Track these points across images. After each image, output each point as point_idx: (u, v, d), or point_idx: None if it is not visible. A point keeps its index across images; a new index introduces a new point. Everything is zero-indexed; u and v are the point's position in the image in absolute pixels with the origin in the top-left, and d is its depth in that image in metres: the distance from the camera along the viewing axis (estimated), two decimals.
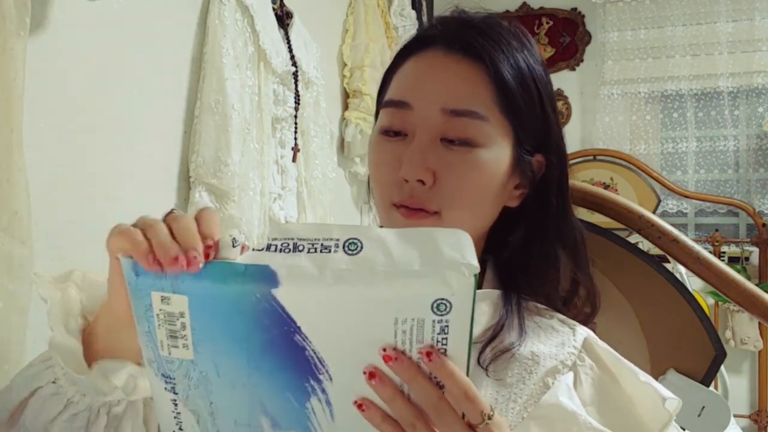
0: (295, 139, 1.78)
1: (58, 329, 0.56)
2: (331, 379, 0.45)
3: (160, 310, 0.46)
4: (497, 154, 0.64)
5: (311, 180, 1.86)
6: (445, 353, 0.44)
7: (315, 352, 0.45)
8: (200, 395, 0.48)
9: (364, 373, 0.45)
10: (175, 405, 0.49)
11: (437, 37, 0.66)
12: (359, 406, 0.46)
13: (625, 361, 0.67)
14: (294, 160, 1.78)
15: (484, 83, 0.64)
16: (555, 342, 0.67)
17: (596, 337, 0.70)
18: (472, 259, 0.42)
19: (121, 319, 0.54)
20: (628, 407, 0.65)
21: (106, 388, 0.55)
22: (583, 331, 0.69)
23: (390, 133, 0.66)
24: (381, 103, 0.70)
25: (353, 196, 2.40)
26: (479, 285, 0.70)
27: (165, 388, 0.49)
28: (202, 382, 0.47)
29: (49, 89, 1.08)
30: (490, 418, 0.46)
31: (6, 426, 0.57)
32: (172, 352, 0.47)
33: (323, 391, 0.46)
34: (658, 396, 0.63)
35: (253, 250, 0.44)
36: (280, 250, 0.44)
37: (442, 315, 0.42)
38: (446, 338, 0.43)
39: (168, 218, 0.47)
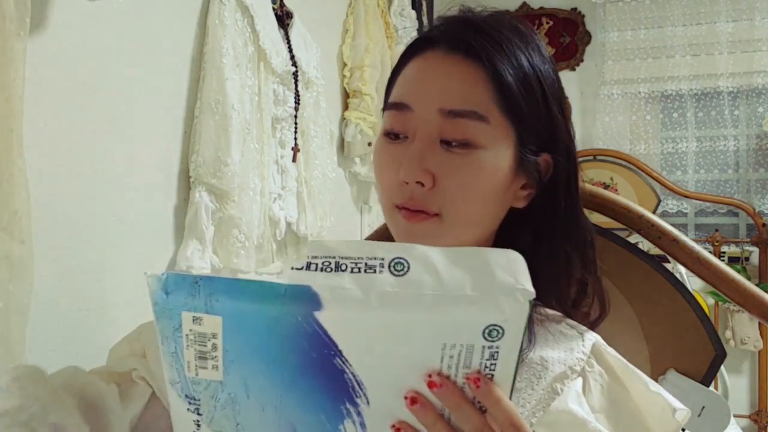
0: (295, 139, 1.78)
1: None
2: (368, 402, 0.44)
3: (191, 330, 0.44)
4: (497, 155, 0.64)
5: (311, 180, 1.86)
6: (491, 378, 0.42)
7: (354, 375, 0.43)
8: (226, 416, 0.46)
9: (406, 398, 0.43)
10: (198, 426, 0.47)
11: (439, 38, 0.66)
12: (397, 430, 0.45)
13: (635, 369, 0.66)
14: (294, 160, 1.78)
15: (483, 83, 0.63)
16: (564, 347, 0.67)
17: (605, 342, 0.69)
18: (526, 283, 0.40)
19: None
20: (636, 415, 0.64)
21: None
22: (591, 337, 0.69)
23: (391, 135, 0.66)
24: (385, 104, 0.70)
25: (353, 196, 2.40)
26: None
27: (188, 409, 0.47)
28: (229, 404, 0.46)
29: (49, 89, 1.08)
30: None
31: None
32: (199, 373, 0.45)
33: (359, 414, 0.44)
34: (668, 406, 0.63)
35: (293, 268, 0.42)
36: (321, 269, 0.42)
37: (493, 341, 0.41)
38: (495, 364, 0.42)
39: None
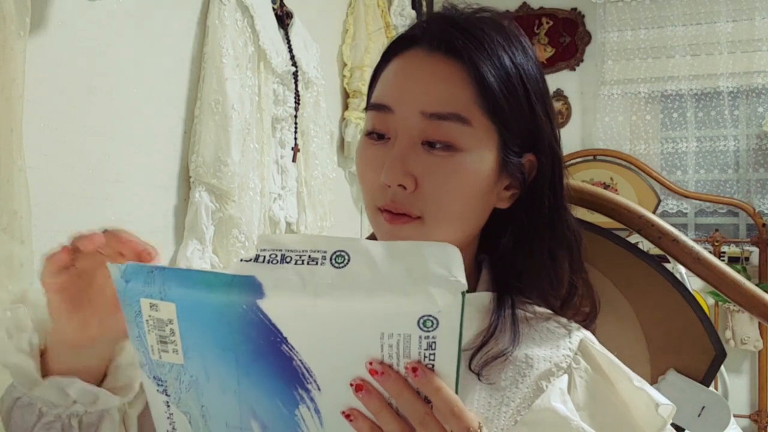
0: (295, 139, 1.78)
1: (7, 349, 0.57)
2: (319, 389, 0.45)
3: (149, 316, 0.46)
4: (480, 157, 0.62)
5: (311, 180, 1.86)
6: (432, 368, 0.43)
7: (302, 362, 0.44)
8: (192, 398, 0.48)
9: (351, 385, 0.45)
10: (168, 406, 0.49)
11: (420, 36, 0.65)
12: (347, 416, 0.46)
13: (621, 364, 0.66)
14: (294, 160, 1.78)
15: (465, 84, 0.62)
16: (550, 344, 0.67)
17: (594, 338, 0.69)
18: (459, 275, 0.42)
19: (67, 344, 0.57)
20: (622, 411, 0.64)
21: (62, 401, 0.57)
22: (579, 333, 0.68)
23: (374, 135, 0.65)
24: (368, 103, 0.69)
25: (353, 196, 2.40)
26: (473, 287, 0.69)
27: (157, 390, 0.49)
28: (193, 386, 0.48)
29: (49, 89, 1.08)
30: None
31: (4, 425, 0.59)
32: (162, 357, 0.47)
33: (311, 399, 0.46)
34: (652, 401, 0.63)
35: (241, 260, 0.45)
36: (268, 261, 0.44)
37: (429, 331, 0.42)
38: (434, 354, 0.43)
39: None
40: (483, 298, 0.68)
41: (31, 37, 0.94)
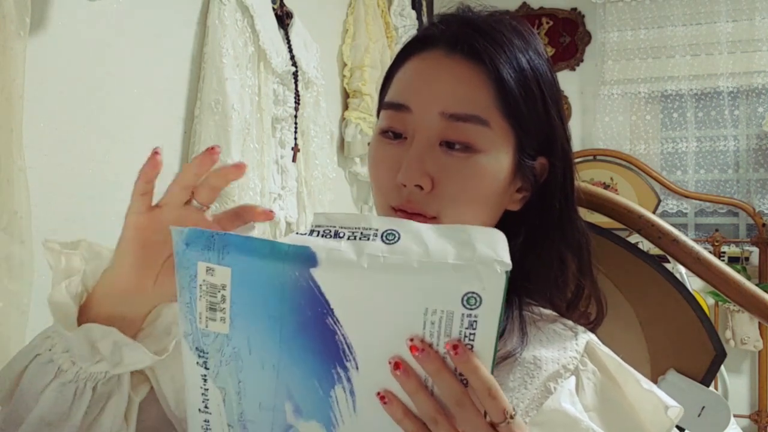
0: (295, 139, 1.78)
1: (57, 289, 0.57)
2: (357, 367, 0.46)
3: (204, 281, 0.47)
4: (498, 159, 0.63)
5: (311, 180, 1.86)
6: (471, 348, 0.44)
7: (344, 337, 0.45)
8: (230, 372, 0.49)
9: (390, 363, 0.45)
10: (205, 381, 0.50)
11: (438, 37, 0.65)
12: (381, 398, 0.46)
13: (628, 367, 0.66)
14: (294, 160, 1.78)
15: (485, 86, 0.62)
16: (557, 346, 0.67)
17: (599, 341, 0.69)
18: (505, 256, 0.43)
19: (118, 288, 0.56)
20: (629, 413, 0.64)
21: (88, 356, 0.55)
22: (585, 335, 0.69)
23: (389, 135, 0.65)
24: (381, 102, 0.69)
25: (353, 196, 2.40)
26: None
27: (197, 362, 0.49)
28: (233, 359, 0.48)
29: (49, 89, 1.08)
30: (512, 417, 0.46)
31: (7, 396, 0.58)
32: (209, 325, 0.48)
33: (348, 379, 0.46)
34: (661, 403, 0.63)
35: (297, 233, 0.47)
36: (322, 236, 0.46)
37: (471, 309, 0.43)
38: (474, 333, 0.44)
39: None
40: None
41: (31, 37, 0.94)
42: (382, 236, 0.45)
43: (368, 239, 0.45)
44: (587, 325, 0.71)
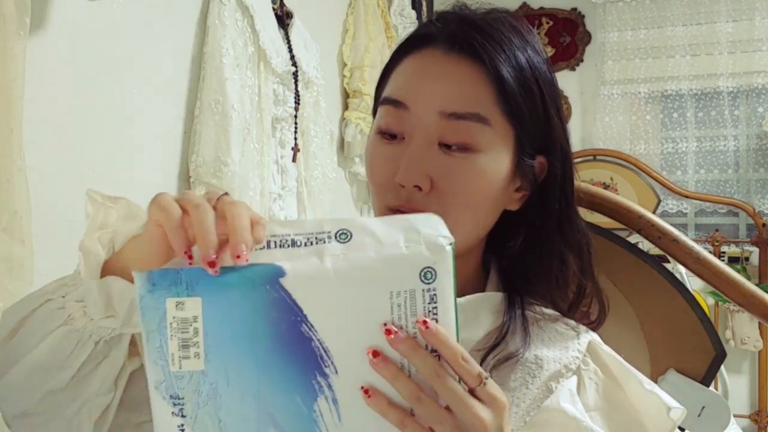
0: (295, 139, 1.78)
1: (90, 237, 0.56)
2: (336, 371, 0.47)
3: (174, 317, 0.47)
4: (497, 159, 0.62)
5: (311, 180, 1.86)
6: (436, 321, 0.47)
7: (321, 342, 0.47)
8: (209, 413, 0.48)
9: (368, 354, 0.47)
10: (182, 431, 0.49)
11: (436, 35, 0.64)
12: (365, 392, 0.47)
13: (630, 367, 0.66)
14: (294, 160, 1.78)
15: (484, 85, 0.61)
16: (559, 345, 0.67)
17: (601, 341, 0.69)
18: (445, 231, 0.48)
19: (141, 262, 0.53)
20: (631, 414, 0.64)
21: (103, 308, 0.54)
22: (587, 335, 0.68)
23: (386, 134, 0.64)
24: (378, 99, 0.68)
25: (353, 196, 2.40)
26: (482, 288, 0.70)
27: (173, 412, 0.49)
28: (211, 397, 0.48)
29: (49, 89, 1.08)
30: (486, 379, 0.48)
31: (9, 335, 0.57)
32: (183, 365, 0.48)
33: (330, 387, 0.48)
34: (663, 405, 0.63)
35: (255, 249, 0.47)
36: (280, 246, 0.48)
37: (429, 283, 0.47)
38: (436, 307, 0.47)
39: (220, 202, 0.49)
40: (493, 298, 0.67)
41: (31, 37, 0.94)
42: (336, 236, 0.48)
43: (324, 242, 0.48)
44: (589, 325, 0.71)
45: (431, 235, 0.48)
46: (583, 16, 3.28)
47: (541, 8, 3.32)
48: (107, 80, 1.21)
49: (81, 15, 1.14)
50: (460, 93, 0.61)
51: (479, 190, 0.62)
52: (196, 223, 0.46)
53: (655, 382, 0.89)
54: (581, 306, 0.70)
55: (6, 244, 0.86)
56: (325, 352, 0.47)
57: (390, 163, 0.63)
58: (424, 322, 0.47)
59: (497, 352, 0.64)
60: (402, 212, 0.62)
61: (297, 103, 1.76)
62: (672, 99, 3.16)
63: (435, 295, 0.47)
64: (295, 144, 1.78)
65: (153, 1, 1.34)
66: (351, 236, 0.48)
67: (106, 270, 0.55)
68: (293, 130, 1.77)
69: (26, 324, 0.57)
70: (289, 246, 0.48)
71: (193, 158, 1.42)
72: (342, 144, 2.28)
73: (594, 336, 0.69)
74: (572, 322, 0.69)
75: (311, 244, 0.47)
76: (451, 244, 0.48)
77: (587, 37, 3.28)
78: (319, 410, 0.48)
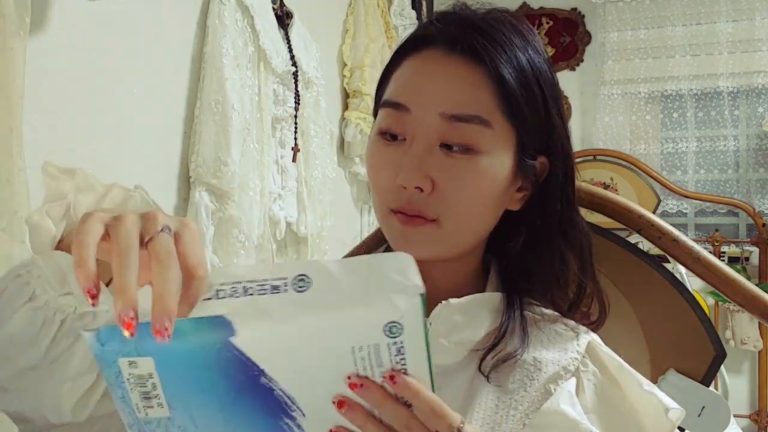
0: (295, 139, 1.78)
1: (37, 211, 0.55)
2: (303, 414, 0.46)
3: (130, 374, 0.45)
4: (498, 160, 0.62)
5: (311, 180, 1.86)
6: (405, 373, 0.45)
7: (283, 391, 0.45)
8: None
9: (333, 403, 0.46)
10: None
11: (436, 36, 0.64)
12: None
13: (629, 368, 0.66)
14: (294, 160, 1.78)
15: (485, 86, 0.61)
16: (558, 347, 0.67)
17: (600, 341, 0.69)
18: (416, 279, 0.43)
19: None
20: (630, 415, 0.64)
21: (55, 284, 0.53)
22: (586, 335, 0.68)
23: (387, 136, 0.64)
24: (379, 101, 0.68)
25: (353, 196, 2.40)
26: (482, 288, 0.70)
27: None
28: None
29: (49, 89, 1.08)
30: (459, 429, 0.47)
31: None
32: (148, 413, 0.47)
33: (299, 426, 0.47)
34: (662, 405, 0.63)
35: (204, 299, 0.44)
36: (231, 296, 0.44)
37: (395, 337, 0.43)
38: (404, 359, 0.44)
39: (153, 241, 0.43)
40: (493, 298, 0.67)
41: (31, 37, 0.94)
42: (292, 284, 0.43)
43: (278, 290, 0.43)
44: (589, 325, 0.71)
45: (398, 284, 0.43)
46: (583, 16, 3.28)
47: (541, 8, 3.32)
48: (107, 80, 1.21)
49: (81, 15, 1.14)
50: (462, 95, 0.61)
51: (480, 191, 0.62)
52: (116, 268, 0.41)
53: (655, 382, 0.89)
54: (581, 306, 0.70)
55: (6, 244, 0.86)
56: (289, 398, 0.46)
57: (391, 165, 0.62)
58: (392, 376, 0.45)
59: (496, 352, 0.64)
60: (404, 214, 0.62)
61: (297, 103, 1.76)
62: (672, 99, 3.16)
63: (402, 347, 0.44)
64: (295, 144, 1.78)
65: (153, 1, 1.34)
66: (310, 284, 0.43)
67: (68, 244, 0.53)
68: (293, 130, 1.77)
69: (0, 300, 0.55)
70: (239, 295, 0.43)
71: (193, 158, 1.42)
72: (342, 144, 2.28)
73: (593, 336, 0.69)
74: (572, 323, 0.69)
75: (265, 293, 0.43)
76: (421, 294, 0.43)
77: (587, 37, 3.28)
78: None
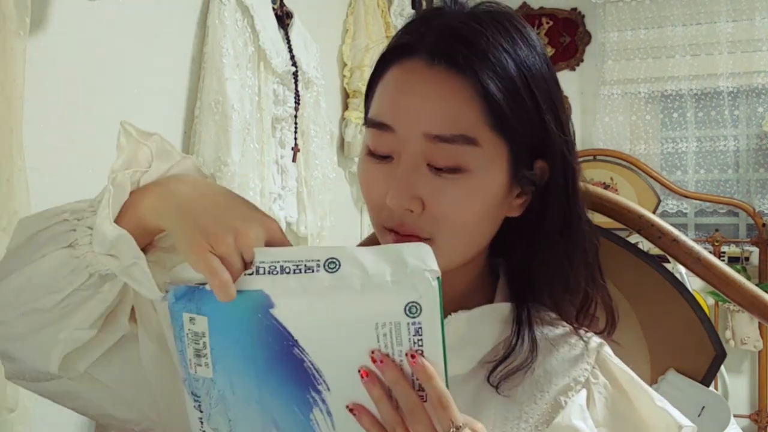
0: (295, 139, 1.78)
1: (122, 171, 0.57)
2: (329, 388, 0.50)
3: (189, 330, 0.52)
4: (490, 176, 0.60)
5: (311, 180, 1.86)
6: (422, 354, 0.49)
7: (312, 363, 0.50)
8: (220, 413, 0.53)
9: (359, 372, 0.49)
10: (201, 423, 0.55)
11: (417, 45, 0.60)
12: (351, 411, 0.50)
13: (640, 381, 0.65)
14: (294, 160, 1.78)
15: (470, 102, 0.58)
16: (568, 357, 0.66)
17: (611, 352, 0.68)
18: (433, 264, 0.48)
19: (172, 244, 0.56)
20: (641, 429, 0.63)
21: (109, 247, 0.54)
22: (596, 345, 0.67)
23: (375, 156, 0.62)
24: (367, 109, 0.66)
25: (353, 196, 2.40)
26: (490, 296, 0.68)
27: (194, 406, 0.55)
28: (220, 401, 0.53)
29: (49, 89, 1.08)
30: (458, 429, 0.48)
31: (17, 246, 0.58)
32: (197, 371, 0.53)
33: (323, 401, 0.51)
34: (674, 422, 0.62)
35: (245, 274, 0.50)
36: (269, 272, 0.50)
37: (414, 317, 0.48)
38: (421, 339, 0.49)
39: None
40: (502, 308, 0.66)
41: (31, 37, 0.94)
42: (324, 266, 0.49)
43: (312, 271, 0.49)
44: (598, 334, 0.69)
45: (417, 269, 0.48)
46: (583, 16, 3.28)
47: (541, 8, 3.32)
48: (107, 80, 1.21)
49: (81, 15, 1.14)
50: (444, 113, 0.58)
51: (472, 210, 0.60)
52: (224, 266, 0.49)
53: (655, 382, 0.89)
54: (588, 311, 0.68)
55: (6, 244, 0.86)
56: (316, 371, 0.50)
57: (381, 183, 0.61)
58: (413, 355, 0.48)
59: (506, 364, 0.63)
60: (397, 233, 0.61)
61: (297, 103, 1.76)
62: (672, 99, 3.16)
63: (420, 328, 0.48)
64: (295, 144, 1.78)
65: (153, 1, 1.34)
66: (339, 266, 0.48)
67: (130, 209, 0.56)
68: (293, 130, 1.77)
69: (36, 237, 0.57)
70: (277, 273, 0.49)
71: (193, 158, 1.42)
72: (342, 144, 2.28)
73: (604, 347, 0.68)
74: (581, 332, 0.68)
75: (300, 272, 0.49)
76: (438, 278, 0.48)
77: (587, 37, 3.28)
78: (315, 420, 0.51)
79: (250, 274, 0.49)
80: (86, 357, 0.60)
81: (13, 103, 0.87)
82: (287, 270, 0.49)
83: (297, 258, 0.49)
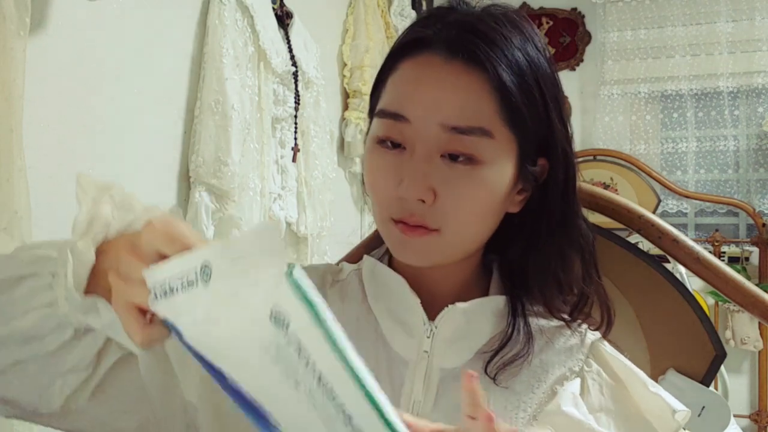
0: (295, 139, 1.78)
1: (84, 236, 0.53)
2: (279, 423, 0.41)
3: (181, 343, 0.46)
4: (500, 169, 0.61)
5: (311, 180, 1.86)
6: (319, 379, 0.36)
7: (248, 393, 0.42)
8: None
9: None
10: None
11: (434, 39, 0.61)
12: None
13: (634, 367, 0.66)
14: (294, 160, 1.78)
15: (487, 95, 0.59)
16: (563, 348, 0.67)
17: (605, 342, 0.69)
18: (281, 251, 0.37)
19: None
20: (636, 415, 0.64)
21: (87, 310, 0.52)
22: (591, 336, 0.68)
23: (387, 144, 0.62)
24: (375, 105, 0.66)
25: (353, 196, 2.40)
26: (485, 290, 0.69)
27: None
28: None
29: (49, 89, 1.08)
30: None
31: None
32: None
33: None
34: (668, 407, 0.62)
35: (150, 301, 0.44)
36: (162, 296, 0.42)
37: (282, 328, 0.36)
38: (314, 363, 0.36)
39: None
40: (497, 301, 0.67)
41: (31, 37, 0.94)
42: (201, 276, 0.39)
43: (193, 285, 0.40)
44: (594, 330, 0.70)
45: (272, 269, 0.36)
46: (583, 16, 3.28)
47: (541, 8, 3.32)
48: (107, 80, 1.21)
49: (81, 15, 1.14)
50: (462, 105, 0.59)
51: (482, 201, 0.61)
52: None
53: (655, 382, 0.89)
54: (584, 309, 0.69)
55: (6, 244, 0.86)
56: (254, 401, 0.41)
57: (392, 173, 0.61)
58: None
59: (502, 355, 0.64)
60: (405, 224, 0.61)
61: (297, 103, 1.76)
62: (672, 99, 3.16)
63: (300, 348, 0.35)
64: (295, 144, 1.78)
65: (153, 1, 1.34)
66: (211, 272, 0.39)
67: (93, 269, 0.53)
68: (293, 130, 1.77)
69: (12, 290, 0.54)
70: (167, 295, 0.42)
71: (193, 158, 1.42)
72: (342, 144, 2.28)
73: (597, 336, 0.69)
74: (575, 324, 0.69)
75: (185, 287, 0.40)
76: (291, 271, 0.34)
77: (587, 37, 3.28)
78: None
79: (153, 298, 0.43)
80: (86, 390, 0.58)
81: (13, 103, 0.87)
82: (175, 288, 0.41)
83: (180, 270, 0.41)
